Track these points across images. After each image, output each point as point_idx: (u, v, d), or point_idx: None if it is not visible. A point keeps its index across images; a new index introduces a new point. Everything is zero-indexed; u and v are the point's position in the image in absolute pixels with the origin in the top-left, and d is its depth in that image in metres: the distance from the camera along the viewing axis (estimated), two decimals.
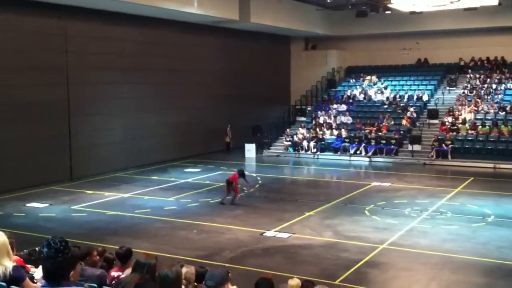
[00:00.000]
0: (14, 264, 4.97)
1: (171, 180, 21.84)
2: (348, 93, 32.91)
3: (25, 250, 7.28)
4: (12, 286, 4.79)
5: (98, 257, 6.92)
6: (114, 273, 6.26)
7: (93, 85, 22.77)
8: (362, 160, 26.94)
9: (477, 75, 31.47)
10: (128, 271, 5.60)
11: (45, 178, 20.45)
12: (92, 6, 21.52)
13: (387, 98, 31.39)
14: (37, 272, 6.00)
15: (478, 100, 28.96)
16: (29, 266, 6.42)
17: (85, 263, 6.32)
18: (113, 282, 5.93)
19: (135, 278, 4.75)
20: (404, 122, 28.63)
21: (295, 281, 6.41)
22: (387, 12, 29.02)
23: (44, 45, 20.83)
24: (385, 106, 30.72)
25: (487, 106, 28.51)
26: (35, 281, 5.65)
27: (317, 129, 29.35)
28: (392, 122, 28.85)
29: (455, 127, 27.13)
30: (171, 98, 26.74)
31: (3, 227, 11.83)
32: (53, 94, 21.22)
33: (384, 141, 27.16)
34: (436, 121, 28.35)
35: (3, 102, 19.38)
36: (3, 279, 4.70)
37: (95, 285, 5.84)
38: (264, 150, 29.45)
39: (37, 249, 6.78)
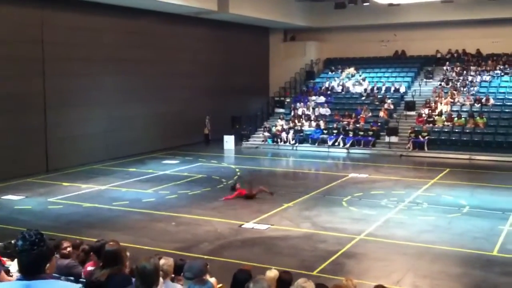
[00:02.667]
0: None
1: (149, 172, 21.72)
2: (327, 84, 33.03)
3: (0, 243, 7.19)
4: None
5: (69, 250, 6.87)
6: (90, 268, 6.21)
7: (70, 76, 22.47)
8: (340, 151, 27.10)
9: (454, 67, 31.81)
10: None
11: (20, 170, 20.18)
12: None
13: (365, 90, 31.58)
14: (13, 265, 5.93)
15: (454, 92, 29.29)
16: (4, 259, 6.35)
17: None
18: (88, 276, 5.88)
19: (106, 272, 4.76)
20: (381, 114, 28.84)
21: (273, 272, 6.42)
22: (365, 3, 29.13)
23: (20, 35, 20.45)
24: (363, 98, 30.92)
25: (463, 98, 28.85)
26: (11, 274, 5.59)
27: (296, 121, 29.43)
28: (370, 114, 29.05)
29: (432, 119, 27.44)
30: (149, 89, 26.53)
31: None
32: (29, 85, 20.90)
33: (361, 133, 27.35)
34: (413, 113, 28.62)
35: None
36: None
37: (72, 278, 5.81)
38: (243, 142, 29.45)
39: (12, 242, 6.70)
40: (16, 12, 20.29)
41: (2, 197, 17.24)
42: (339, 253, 11.90)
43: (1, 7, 19.75)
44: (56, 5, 21.40)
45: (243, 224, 14.16)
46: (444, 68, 32.07)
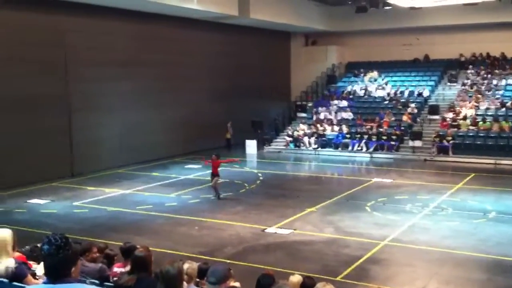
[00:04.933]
0: (16, 261, 4.97)
1: (172, 177, 21.84)
2: (349, 89, 32.88)
3: (26, 247, 7.28)
4: (14, 283, 4.80)
5: (97, 254, 6.94)
6: (117, 269, 6.28)
7: (94, 80, 22.73)
8: (363, 156, 26.92)
9: (478, 71, 31.43)
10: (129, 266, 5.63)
11: (46, 174, 20.47)
12: (91, 2, 21.48)
13: (388, 94, 31.36)
14: (39, 268, 6.00)
15: (479, 96, 28.92)
16: (31, 262, 6.42)
17: (85, 259, 6.33)
18: (115, 278, 5.95)
19: (134, 277, 4.79)
20: (405, 118, 28.59)
21: (296, 277, 6.41)
22: (387, 7, 29.02)
23: (43, 40, 20.75)
24: (386, 102, 30.69)
25: (487, 102, 28.46)
26: (37, 277, 5.65)
27: (318, 125, 29.33)
28: (393, 118, 28.82)
29: (456, 123, 27.12)
30: (172, 93, 26.72)
31: (5, 223, 11.86)
32: (54, 89, 21.19)
33: (385, 137, 27.14)
34: (437, 117, 28.31)
35: (3, 97, 19.36)
36: (5, 276, 4.71)
37: (97, 282, 5.86)
38: (265, 146, 29.44)
39: (38, 245, 6.78)
40: (40, 17, 20.60)
41: (29, 201, 17.49)
42: (363, 258, 11.80)
43: (28, 13, 20.12)
44: (78, 10, 21.64)
45: (266, 229, 14.13)
46: (468, 71, 31.71)
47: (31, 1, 19.82)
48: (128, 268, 5.69)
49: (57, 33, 21.24)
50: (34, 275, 5.79)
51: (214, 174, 17.79)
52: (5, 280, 4.81)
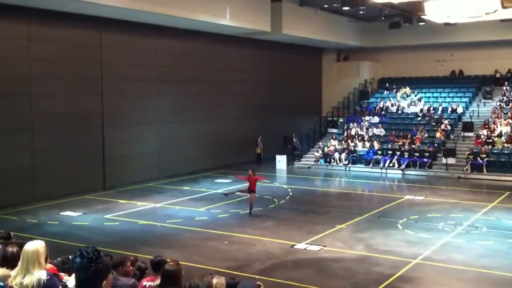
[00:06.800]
0: (48, 272, 5.02)
1: (202, 191, 21.93)
2: (381, 104, 32.62)
3: (58, 258, 7.36)
4: None
5: (131, 267, 6.95)
6: (146, 283, 6.29)
7: (127, 95, 23.10)
8: (395, 172, 26.60)
9: None
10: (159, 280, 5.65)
11: (78, 187, 20.79)
12: (127, 19, 21.86)
13: (421, 110, 31.00)
14: (70, 280, 6.06)
15: None
16: (62, 274, 6.48)
17: (118, 273, 6.35)
18: None
19: None
20: (438, 134, 28.20)
21: None
22: (420, 23, 28.74)
23: (80, 55, 21.20)
24: (419, 118, 30.35)
25: None
26: None
27: (349, 141, 29.12)
28: (426, 135, 28.45)
29: (491, 140, 26.60)
30: (203, 108, 26.92)
31: (38, 235, 12.07)
32: (88, 104, 21.58)
33: (417, 154, 26.78)
34: (471, 134, 27.85)
35: (39, 112, 19.78)
36: (38, 287, 4.77)
37: None
38: (295, 162, 29.36)
39: (70, 257, 6.85)
40: (76, 33, 21.03)
41: (61, 213, 17.76)
42: (394, 277, 11.60)
43: (63, 29, 20.56)
44: (114, 27, 22.05)
45: (295, 245, 14.04)
46: (504, 88, 31.15)
47: (68, 17, 20.26)
48: (158, 281, 5.71)
49: (93, 49, 21.64)
50: (65, 287, 5.84)
51: (252, 190, 17.71)
52: None
